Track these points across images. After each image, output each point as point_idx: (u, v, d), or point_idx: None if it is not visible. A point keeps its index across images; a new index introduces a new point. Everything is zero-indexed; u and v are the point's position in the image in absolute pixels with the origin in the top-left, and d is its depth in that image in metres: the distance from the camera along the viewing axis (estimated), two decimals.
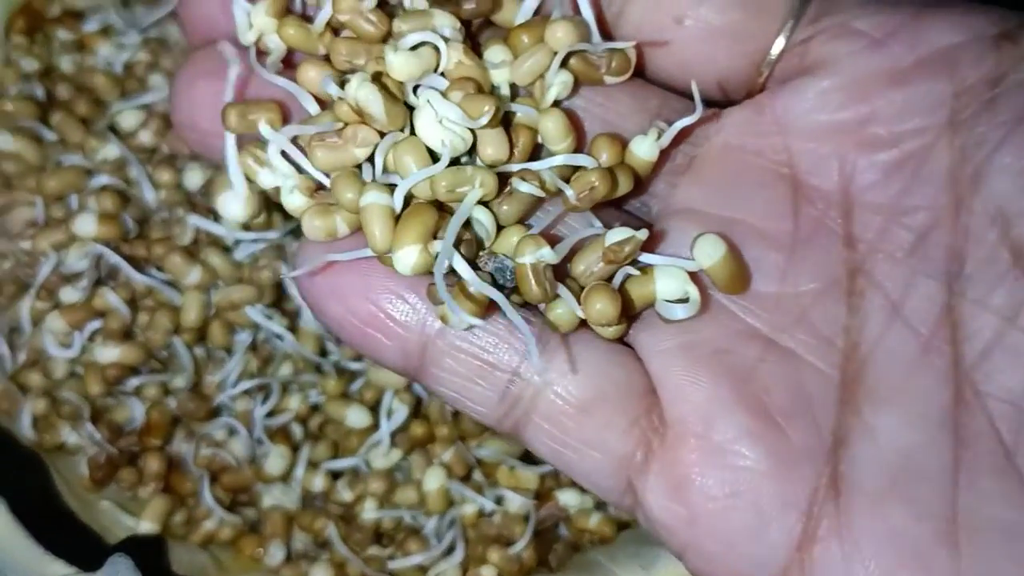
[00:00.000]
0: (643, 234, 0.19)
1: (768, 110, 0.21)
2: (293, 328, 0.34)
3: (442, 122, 0.19)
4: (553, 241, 0.19)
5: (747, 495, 0.19)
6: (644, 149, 0.20)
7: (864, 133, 0.20)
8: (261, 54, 0.20)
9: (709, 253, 0.19)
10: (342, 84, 0.19)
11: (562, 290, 0.19)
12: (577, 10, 0.20)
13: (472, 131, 0.19)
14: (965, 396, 0.19)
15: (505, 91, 0.20)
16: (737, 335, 0.20)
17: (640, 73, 0.22)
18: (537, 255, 0.19)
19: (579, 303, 0.19)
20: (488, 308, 0.19)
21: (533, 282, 0.19)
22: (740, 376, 0.20)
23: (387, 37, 0.20)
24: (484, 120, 0.19)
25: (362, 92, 0.19)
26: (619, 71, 0.20)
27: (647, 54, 0.21)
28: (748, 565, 0.19)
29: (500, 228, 0.20)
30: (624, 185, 0.20)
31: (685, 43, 0.21)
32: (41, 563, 0.29)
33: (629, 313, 0.20)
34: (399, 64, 0.19)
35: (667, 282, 0.19)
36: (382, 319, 0.20)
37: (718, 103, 0.22)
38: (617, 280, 0.20)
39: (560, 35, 0.20)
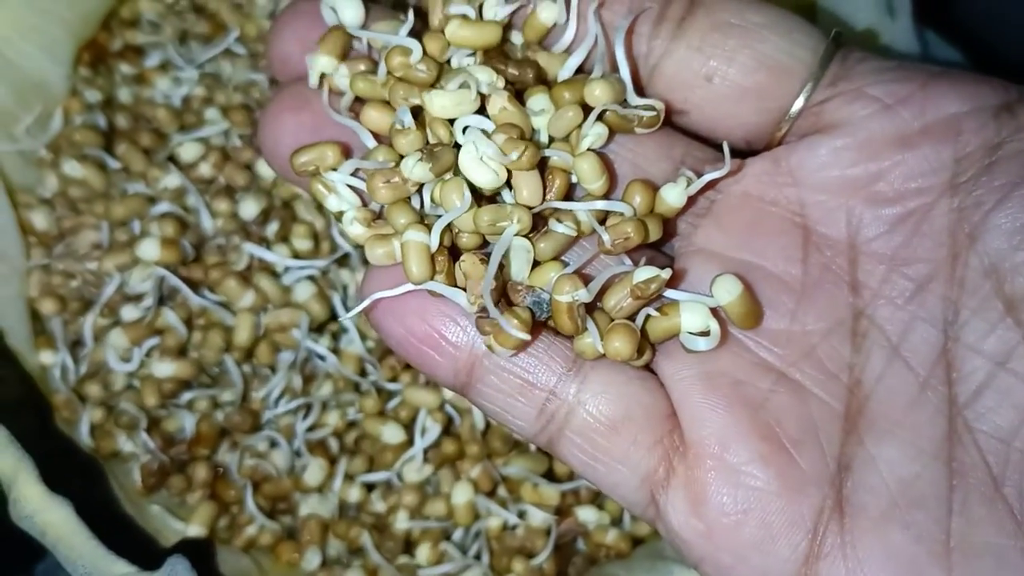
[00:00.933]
0: (667, 273, 0.21)
1: (784, 163, 0.22)
2: (335, 350, 0.37)
3: (482, 158, 0.21)
4: (586, 279, 0.21)
5: (757, 513, 0.21)
6: (673, 196, 0.22)
7: (871, 189, 0.22)
8: (333, 94, 0.23)
9: (728, 291, 0.21)
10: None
11: (591, 325, 0.21)
12: (615, 68, 0.22)
13: (509, 172, 0.21)
14: (958, 431, 0.20)
15: (544, 138, 0.22)
16: (751, 367, 0.22)
17: (668, 122, 0.23)
18: (573, 295, 0.21)
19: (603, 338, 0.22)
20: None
21: (567, 317, 0.21)
22: (753, 404, 0.21)
23: (436, 82, 0.22)
24: (514, 156, 0.21)
25: (416, 171, 0.21)
26: (649, 124, 0.22)
27: (678, 106, 0.23)
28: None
29: (537, 263, 0.22)
30: (654, 233, 0.22)
31: (713, 99, 0.23)
32: (106, 562, 0.31)
33: (654, 343, 0.22)
34: (439, 103, 0.21)
35: (691, 316, 0.21)
36: (436, 339, 0.22)
37: (739, 153, 0.23)
38: (640, 317, 0.22)
39: (597, 93, 0.22)
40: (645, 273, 0.21)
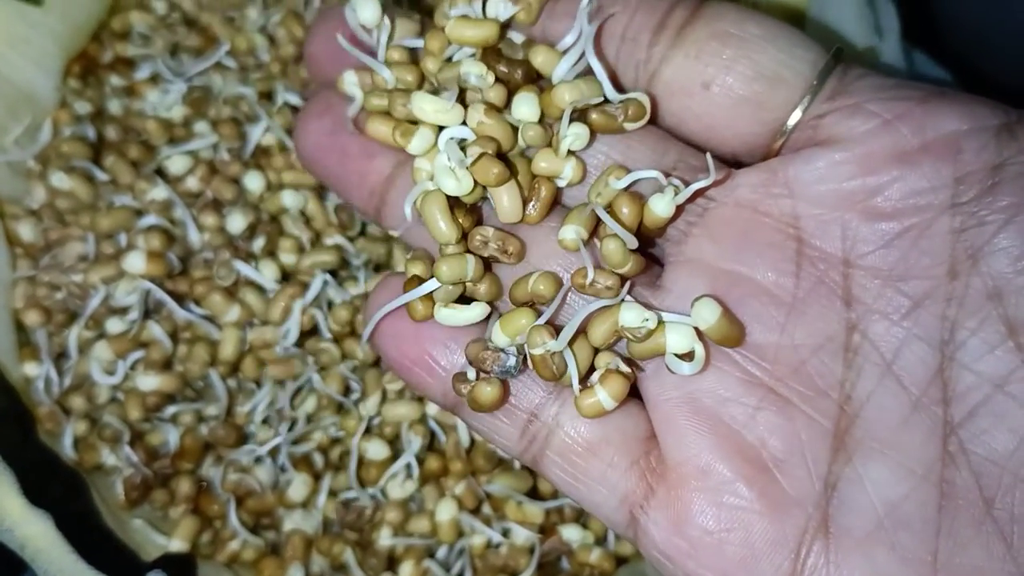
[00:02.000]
0: (653, 322, 0.21)
1: (781, 174, 0.22)
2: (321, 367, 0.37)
3: (452, 169, 0.22)
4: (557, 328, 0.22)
5: (739, 532, 0.21)
6: (661, 207, 0.22)
7: (868, 204, 0.22)
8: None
9: (707, 315, 0.21)
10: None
11: (571, 366, 0.22)
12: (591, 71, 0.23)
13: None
14: (951, 452, 0.20)
15: (523, 142, 0.23)
16: (738, 383, 0.22)
17: (664, 128, 0.24)
18: (545, 347, 0.21)
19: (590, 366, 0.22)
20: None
21: (542, 368, 0.22)
22: (738, 423, 0.21)
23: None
24: (491, 176, 0.22)
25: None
26: (635, 117, 0.23)
27: (675, 113, 0.23)
28: None
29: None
30: (635, 270, 0.22)
31: (710, 108, 0.23)
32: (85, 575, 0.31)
33: (637, 361, 0.23)
34: (427, 108, 0.22)
35: (677, 338, 0.21)
36: (428, 362, 0.23)
37: (734, 163, 0.23)
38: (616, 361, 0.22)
39: (566, 97, 0.22)
40: (633, 318, 0.21)
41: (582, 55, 0.23)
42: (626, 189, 0.23)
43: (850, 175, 0.22)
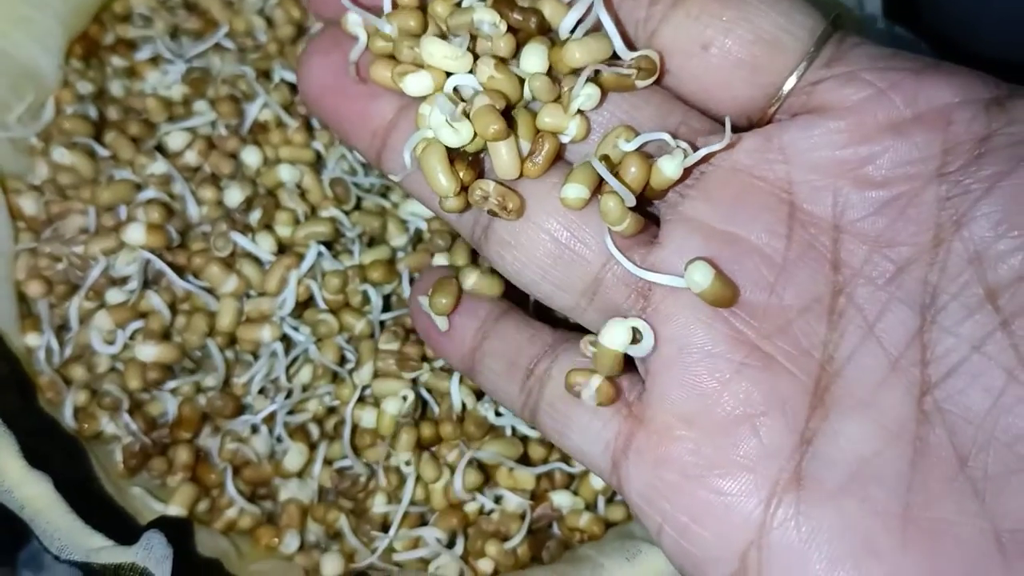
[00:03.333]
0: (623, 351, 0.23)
1: (776, 140, 0.23)
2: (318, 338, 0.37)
3: (447, 120, 0.22)
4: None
5: (714, 479, 0.22)
6: (671, 169, 0.22)
7: (860, 172, 0.22)
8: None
9: (698, 281, 0.22)
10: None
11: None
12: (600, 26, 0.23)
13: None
14: (926, 411, 0.21)
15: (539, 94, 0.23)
16: (725, 339, 0.22)
17: (665, 88, 0.24)
18: None
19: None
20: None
21: None
22: (723, 377, 0.22)
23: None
24: (490, 131, 0.22)
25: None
26: (647, 75, 0.23)
27: (673, 74, 0.23)
28: (714, 539, 0.22)
29: None
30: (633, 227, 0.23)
31: (708, 69, 0.23)
32: (82, 536, 0.31)
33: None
34: (436, 52, 0.23)
35: (614, 334, 0.23)
36: (450, 330, 0.28)
37: (733, 128, 0.23)
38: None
39: (577, 56, 0.22)
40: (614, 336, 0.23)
41: (591, 7, 0.23)
42: (635, 150, 0.23)
43: (843, 144, 0.22)
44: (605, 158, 0.23)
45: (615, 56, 0.23)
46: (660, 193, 0.24)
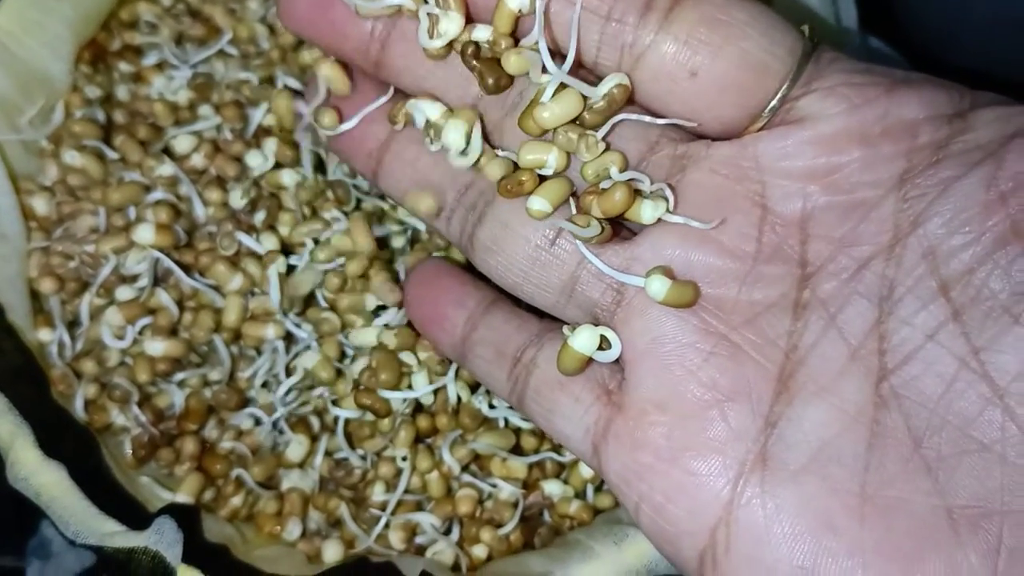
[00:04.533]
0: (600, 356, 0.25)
1: (751, 148, 0.24)
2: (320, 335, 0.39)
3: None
4: None
5: (686, 461, 0.23)
6: (649, 214, 0.24)
7: (829, 179, 0.23)
8: None
9: (656, 291, 0.24)
10: None
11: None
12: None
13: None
14: (883, 396, 0.22)
15: None
16: (695, 330, 0.24)
17: (647, 110, 0.25)
18: None
19: None
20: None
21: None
22: (694, 365, 0.24)
23: None
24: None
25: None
26: (622, 101, 0.24)
27: (659, 97, 0.24)
28: (686, 516, 0.23)
29: None
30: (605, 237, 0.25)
31: (695, 93, 0.24)
32: (96, 521, 0.33)
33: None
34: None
35: (583, 339, 0.25)
36: (442, 319, 0.29)
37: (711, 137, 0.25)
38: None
39: (547, 116, 0.25)
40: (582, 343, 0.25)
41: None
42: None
43: (815, 154, 0.24)
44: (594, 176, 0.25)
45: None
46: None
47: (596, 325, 0.25)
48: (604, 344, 0.25)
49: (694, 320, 0.24)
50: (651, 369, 0.24)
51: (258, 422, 0.39)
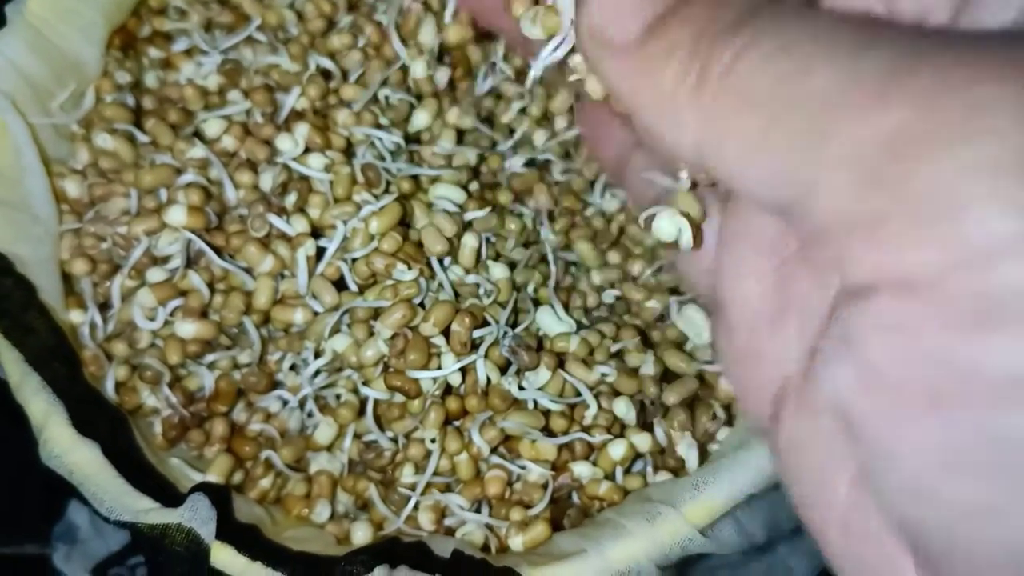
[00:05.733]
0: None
1: None
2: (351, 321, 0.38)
3: None
4: None
5: None
6: (665, 231, 0.22)
7: None
8: None
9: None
10: None
11: None
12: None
13: None
14: None
15: None
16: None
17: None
18: None
19: None
20: None
21: None
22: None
23: None
24: None
25: None
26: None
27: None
28: None
29: None
30: None
31: None
32: (131, 498, 0.33)
33: None
34: None
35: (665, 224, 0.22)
36: None
37: None
38: None
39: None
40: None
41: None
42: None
43: None
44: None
45: None
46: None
47: None
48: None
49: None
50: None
51: (286, 403, 0.39)
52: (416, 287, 0.37)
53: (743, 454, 0.33)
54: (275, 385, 0.39)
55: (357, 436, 0.38)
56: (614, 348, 0.39)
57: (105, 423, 0.36)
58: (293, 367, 0.39)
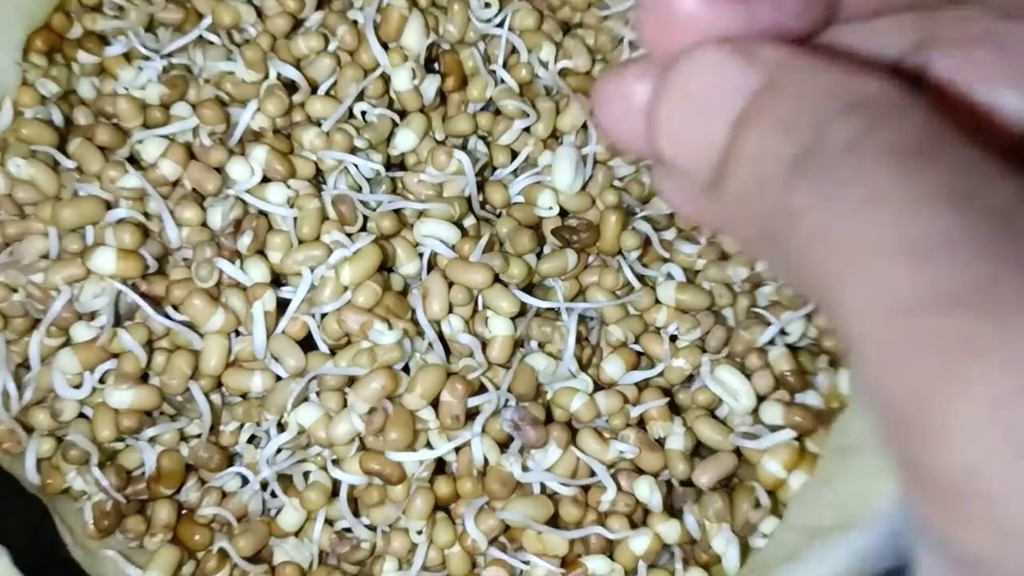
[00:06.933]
0: None
1: None
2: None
3: None
4: None
5: None
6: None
7: None
8: None
9: None
10: None
11: None
12: None
13: None
14: None
15: None
16: None
17: None
18: None
19: None
20: None
21: None
22: None
23: None
24: None
25: None
26: None
27: None
28: None
29: None
30: None
31: None
32: None
33: None
34: None
35: None
36: None
37: None
38: None
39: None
40: None
41: None
42: None
43: None
44: None
45: None
46: None
47: None
48: None
49: None
50: None
51: (245, 482, 0.33)
52: (399, 351, 0.31)
53: (799, 569, 0.27)
54: (231, 460, 0.33)
55: (329, 522, 0.33)
56: (635, 412, 0.33)
57: (17, 515, 0.31)
58: (252, 438, 0.33)
